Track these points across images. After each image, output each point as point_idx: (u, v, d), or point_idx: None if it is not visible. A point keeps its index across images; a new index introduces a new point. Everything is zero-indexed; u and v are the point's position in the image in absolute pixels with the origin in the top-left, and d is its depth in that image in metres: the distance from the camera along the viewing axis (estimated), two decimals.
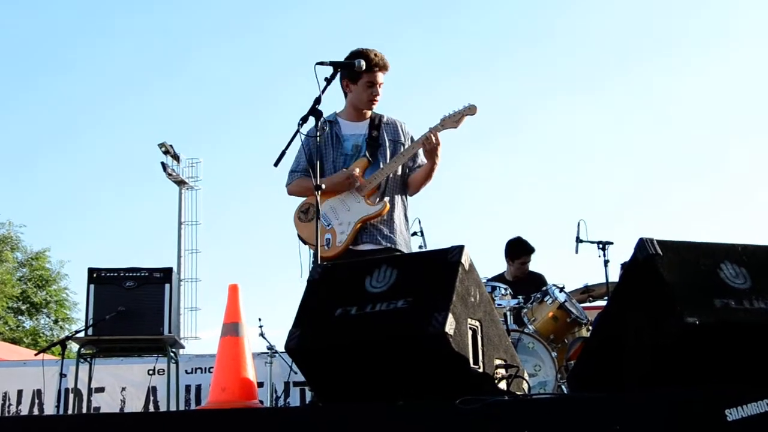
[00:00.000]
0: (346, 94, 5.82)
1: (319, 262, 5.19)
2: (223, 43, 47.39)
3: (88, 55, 47.26)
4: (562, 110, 41.77)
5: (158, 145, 29.55)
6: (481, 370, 3.90)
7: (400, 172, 5.71)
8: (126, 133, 46.76)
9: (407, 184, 5.77)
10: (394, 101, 5.86)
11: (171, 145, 29.60)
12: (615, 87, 42.67)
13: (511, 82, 42.14)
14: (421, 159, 5.70)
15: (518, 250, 9.20)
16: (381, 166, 5.62)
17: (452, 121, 5.42)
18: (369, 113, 5.80)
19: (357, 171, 5.55)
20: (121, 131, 46.90)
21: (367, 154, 5.64)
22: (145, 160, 52.76)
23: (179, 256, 29.68)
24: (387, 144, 5.69)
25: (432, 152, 5.49)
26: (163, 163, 29.61)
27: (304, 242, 5.64)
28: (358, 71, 5.43)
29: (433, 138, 5.44)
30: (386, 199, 5.59)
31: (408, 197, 5.83)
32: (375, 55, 5.61)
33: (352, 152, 5.71)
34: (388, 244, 5.55)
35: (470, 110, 5.43)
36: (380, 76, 5.68)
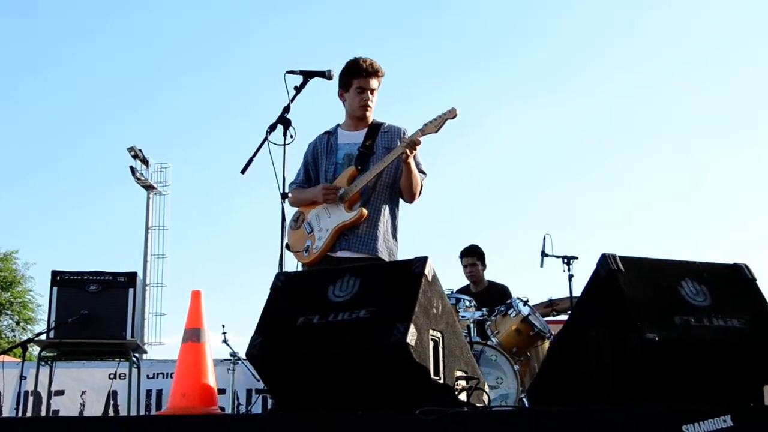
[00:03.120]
0: (344, 105, 5.80)
1: (300, 269, 5.19)
2: (194, 49, 47.25)
3: (59, 58, 46.97)
4: (529, 121, 41.83)
5: (127, 149, 29.43)
6: (441, 381, 3.91)
7: (391, 179, 5.65)
8: (95, 136, 46.47)
9: (400, 192, 5.71)
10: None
11: (140, 150, 29.49)
12: (581, 97, 42.79)
13: (472, 91, 42.13)
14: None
15: (464, 251, 9.43)
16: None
17: (433, 126, 5.38)
18: (369, 121, 5.76)
19: (338, 182, 5.54)
20: (90, 135, 46.59)
21: (355, 163, 5.61)
22: (114, 164, 52.43)
23: (145, 261, 29.55)
24: (380, 152, 5.63)
25: (404, 159, 5.45)
26: (132, 168, 29.49)
27: (290, 249, 5.62)
28: (330, 79, 5.41)
29: (407, 146, 5.40)
30: (371, 205, 5.55)
31: (399, 206, 5.76)
32: (364, 61, 5.61)
33: (343, 161, 5.68)
34: (367, 253, 5.50)
35: (450, 114, 5.37)
36: (371, 82, 5.65)
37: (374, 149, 5.65)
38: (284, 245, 5.57)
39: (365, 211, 5.48)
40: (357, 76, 5.61)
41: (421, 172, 5.66)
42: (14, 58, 46.54)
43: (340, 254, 5.50)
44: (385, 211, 5.63)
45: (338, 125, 5.85)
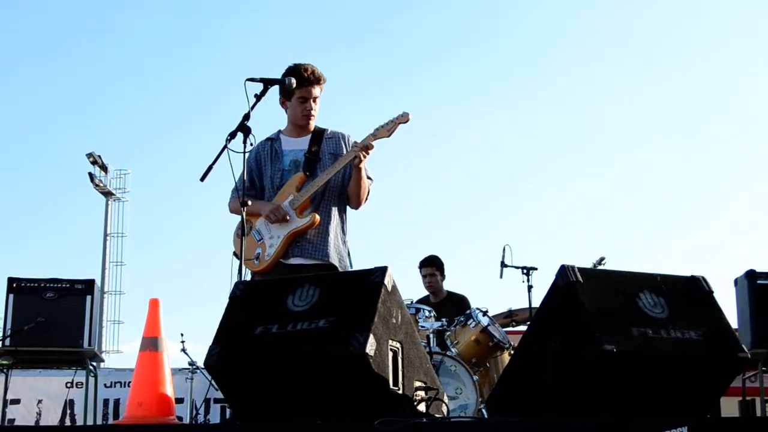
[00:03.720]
0: (286, 112, 5.76)
1: (250, 277, 5.14)
2: (154, 55, 46.90)
3: (16, 63, 46.48)
4: (489, 131, 41.81)
5: (86, 155, 29.18)
6: (400, 391, 3.90)
7: (339, 185, 5.64)
8: (54, 142, 45.97)
9: (348, 198, 5.70)
10: (333, 116, 5.78)
11: (99, 156, 29.25)
12: (541, 108, 42.85)
13: (431, 100, 42.05)
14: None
15: (422, 262, 9.45)
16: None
17: (385, 130, 5.39)
18: (312, 128, 5.74)
19: (286, 202, 5.50)
20: (48, 141, 46.10)
21: (303, 170, 5.58)
22: (73, 171, 51.85)
23: (104, 268, 29.34)
24: (327, 158, 5.62)
25: (357, 164, 5.45)
26: (90, 174, 29.26)
27: (238, 258, 5.58)
28: (289, 88, 5.40)
29: (360, 151, 5.40)
30: (321, 211, 5.52)
31: (347, 211, 5.76)
32: (305, 69, 5.56)
33: (289, 167, 5.65)
34: (320, 260, 5.48)
35: (403, 118, 5.40)
36: (314, 91, 5.63)
37: (320, 155, 5.64)
38: (233, 253, 5.56)
39: (318, 217, 5.46)
40: (299, 86, 5.53)
41: (368, 177, 5.66)
42: None
43: (292, 261, 5.47)
44: (335, 216, 5.63)
45: (280, 131, 5.81)
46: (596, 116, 40.52)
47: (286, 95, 5.66)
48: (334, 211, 5.64)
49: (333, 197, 5.64)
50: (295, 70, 5.56)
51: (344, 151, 5.65)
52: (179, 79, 46.20)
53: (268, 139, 5.79)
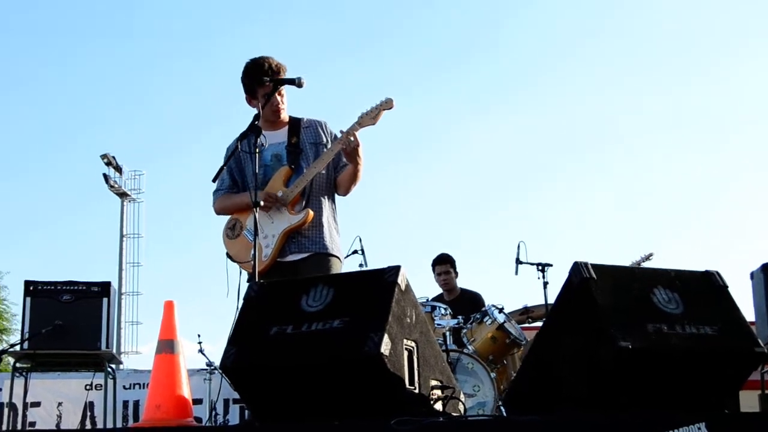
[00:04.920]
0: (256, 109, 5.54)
1: (248, 278, 5.12)
2: (169, 56, 46.99)
3: (30, 65, 46.64)
4: (501, 130, 41.63)
5: (100, 156, 29.20)
6: (416, 390, 3.90)
7: (325, 173, 5.57)
8: (68, 143, 46.15)
9: (336, 186, 5.65)
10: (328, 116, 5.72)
11: (113, 157, 29.26)
12: (554, 106, 42.69)
13: (444, 100, 41.97)
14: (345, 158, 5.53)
15: (436, 260, 9.51)
16: (304, 172, 5.47)
17: (369, 117, 5.31)
18: (286, 119, 5.66)
19: (275, 188, 5.43)
20: (63, 142, 46.23)
21: (288, 162, 5.53)
22: (87, 172, 52.00)
23: (120, 270, 29.35)
24: (308, 148, 5.56)
25: (353, 153, 5.36)
26: (105, 175, 29.29)
27: (232, 260, 5.53)
28: (300, 86, 5.20)
29: (351, 139, 5.31)
30: (312, 203, 5.47)
31: (336, 199, 5.71)
32: (269, 64, 5.44)
33: (271, 162, 5.57)
34: (317, 250, 5.44)
35: (387, 104, 5.32)
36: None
37: (301, 146, 5.57)
38: (226, 255, 5.52)
39: (311, 213, 5.42)
40: (260, 84, 5.42)
41: (345, 165, 5.57)
42: None
43: (290, 258, 5.43)
44: (326, 206, 5.58)
45: None
46: (606, 115, 40.44)
47: (251, 93, 5.54)
48: (325, 201, 5.58)
49: (321, 188, 5.58)
50: (258, 65, 5.46)
51: (323, 139, 5.61)
52: (194, 81, 46.30)
53: (243, 135, 5.36)
